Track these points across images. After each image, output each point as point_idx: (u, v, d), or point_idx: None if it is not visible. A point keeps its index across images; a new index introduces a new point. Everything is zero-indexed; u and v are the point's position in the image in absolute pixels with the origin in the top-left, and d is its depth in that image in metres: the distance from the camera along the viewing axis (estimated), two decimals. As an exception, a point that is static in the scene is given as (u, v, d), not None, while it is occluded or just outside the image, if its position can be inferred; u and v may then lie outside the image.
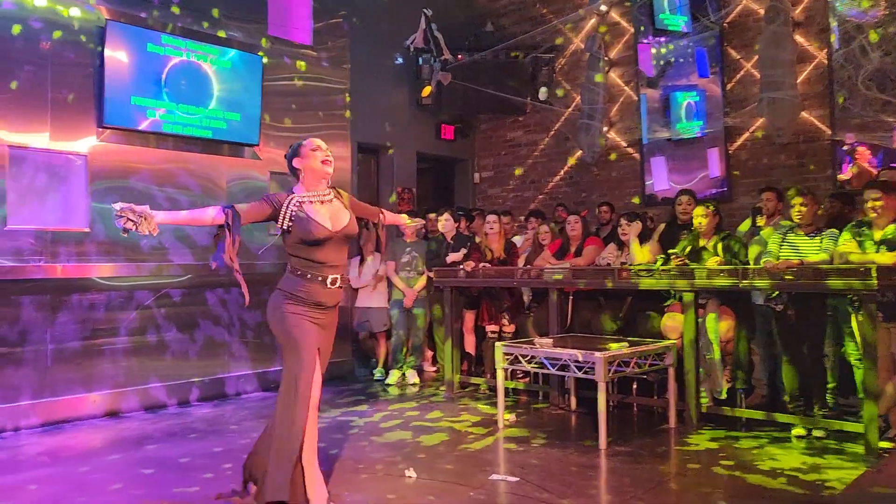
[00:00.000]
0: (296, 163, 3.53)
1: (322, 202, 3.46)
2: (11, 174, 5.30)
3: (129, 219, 3.02)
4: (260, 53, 6.72)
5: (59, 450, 4.76)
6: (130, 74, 5.82)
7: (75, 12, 5.62)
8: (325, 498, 3.38)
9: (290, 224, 3.37)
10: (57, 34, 5.52)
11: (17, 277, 5.19)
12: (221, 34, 6.52)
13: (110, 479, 4.08)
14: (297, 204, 3.40)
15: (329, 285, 3.42)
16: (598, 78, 8.15)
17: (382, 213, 3.95)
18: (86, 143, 5.68)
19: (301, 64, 7.20)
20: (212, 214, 3.29)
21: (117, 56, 5.73)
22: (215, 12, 6.50)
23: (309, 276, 3.39)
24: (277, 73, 6.96)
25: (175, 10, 6.21)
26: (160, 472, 4.20)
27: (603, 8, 8.30)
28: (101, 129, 5.75)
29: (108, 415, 5.66)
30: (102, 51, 5.66)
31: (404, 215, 4.28)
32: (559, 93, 8.83)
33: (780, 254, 5.01)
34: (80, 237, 5.60)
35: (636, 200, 8.13)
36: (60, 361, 5.46)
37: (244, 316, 6.63)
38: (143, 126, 5.92)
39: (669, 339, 5.34)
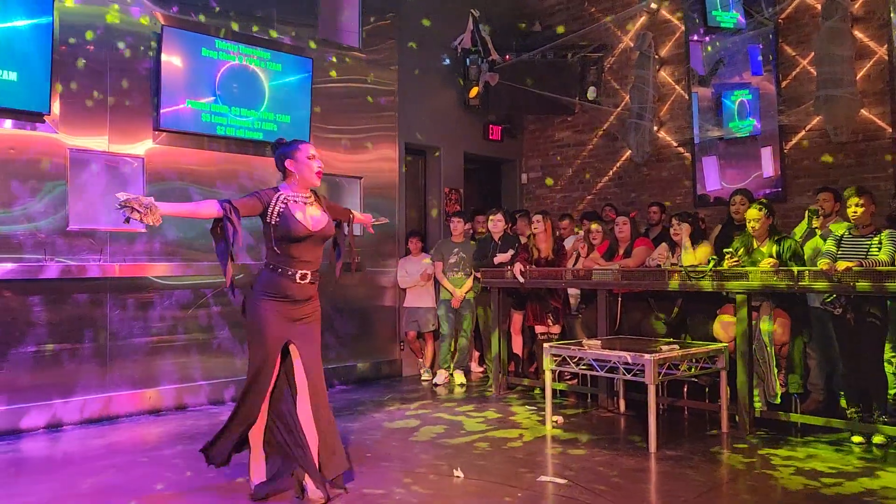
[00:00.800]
0: (288, 164, 3.71)
1: (305, 203, 3.70)
2: (73, 177, 5.49)
3: (134, 209, 3.18)
4: (310, 56, 6.81)
5: (116, 444, 4.92)
6: (185, 78, 5.97)
7: (134, 19, 5.80)
8: (263, 476, 3.76)
9: (277, 220, 3.60)
10: (117, 40, 5.70)
11: (77, 276, 5.37)
12: (273, 37, 6.64)
13: (164, 473, 4.19)
14: (284, 202, 3.63)
15: (298, 280, 3.64)
16: (647, 75, 8.04)
17: (352, 213, 4.19)
18: (143, 145, 5.85)
19: (350, 66, 7.28)
20: (212, 208, 3.51)
21: (173, 61, 5.89)
22: (267, 17, 6.62)
23: (280, 270, 3.63)
24: (327, 75, 7.05)
25: (228, 15, 6.35)
26: (212, 467, 4.29)
27: (653, 5, 8.19)
28: (157, 132, 5.91)
29: (163, 410, 5.81)
30: (159, 56, 5.82)
31: (369, 214, 4.56)
32: (607, 92, 8.74)
33: (838, 255, 4.87)
34: (136, 237, 5.77)
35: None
36: (118, 358, 5.63)
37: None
38: (197, 128, 6.07)
39: (721, 341, 5.24)
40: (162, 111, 5.85)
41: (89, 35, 5.56)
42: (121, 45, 5.73)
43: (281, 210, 3.60)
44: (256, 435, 3.76)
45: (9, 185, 5.17)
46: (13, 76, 5.08)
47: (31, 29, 5.13)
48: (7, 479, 4.09)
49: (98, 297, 5.54)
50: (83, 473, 4.19)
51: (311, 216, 3.68)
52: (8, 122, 5.17)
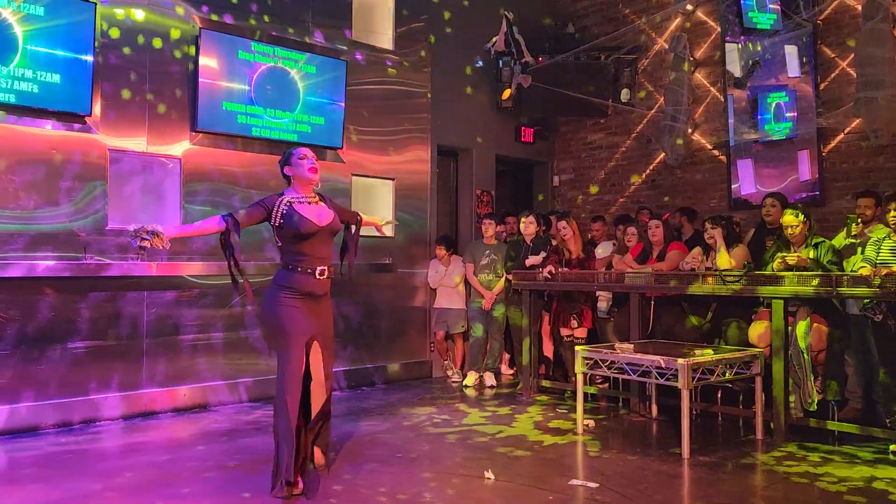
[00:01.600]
0: (286, 170, 3.95)
1: (309, 203, 3.87)
2: (112, 177, 5.60)
3: (142, 237, 3.46)
4: (344, 58, 6.87)
5: (150, 439, 5.00)
6: (222, 80, 6.06)
7: (173, 22, 5.90)
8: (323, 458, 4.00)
9: (281, 221, 3.77)
10: (156, 43, 5.81)
11: (115, 274, 5.48)
12: (307, 40, 6.71)
13: (197, 469, 4.25)
14: (287, 204, 3.81)
15: (318, 276, 3.81)
16: (682, 77, 7.96)
17: (360, 216, 4.36)
18: (180, 146, 5.95)
19: (383, 68, 7.32)
20: (215, 225, 3.76)
21: (210, 63, 5.98)
22: (302, 19, 6.69)
23: (299, 269, 3.79)
24: (360, 77, 7.10)
25: (265, 18, 6.43)
26: (245, 463, 4.35)
27: (689, 7, 8.10)
28: (193, 134, 6.00)
29: (197, 407, 5.90)
30: (197, 58, 5.92)
31: (378, 217, 4.68)
32: (641, 94, 8.67)
33: (878, 260, 4.77)
34: (173, 237, 5.84)
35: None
36: (153, 356, 5.73)
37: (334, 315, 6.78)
38: (232, 130, 6.16)
39: (756, 347, 5.17)
40: (199, 112, 5.94)
41: (129, 38, 5.67)
42: (160, 47, 5.83)
43: (284, 211, 3.77)
44: (309, 419, 3.90)
45: (51, 184, 5.30)
46: (56, 78, 5.20)
47: (73, 32, 5.25)
48: (46, 473, 4.18)
49: (135, 296, 5.65)
50: (120, 468, 4.28)
51: (317, 213, 3.84)
52: (50, 124, 5.30)
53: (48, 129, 5.30)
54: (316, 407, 3.87)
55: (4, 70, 5.00)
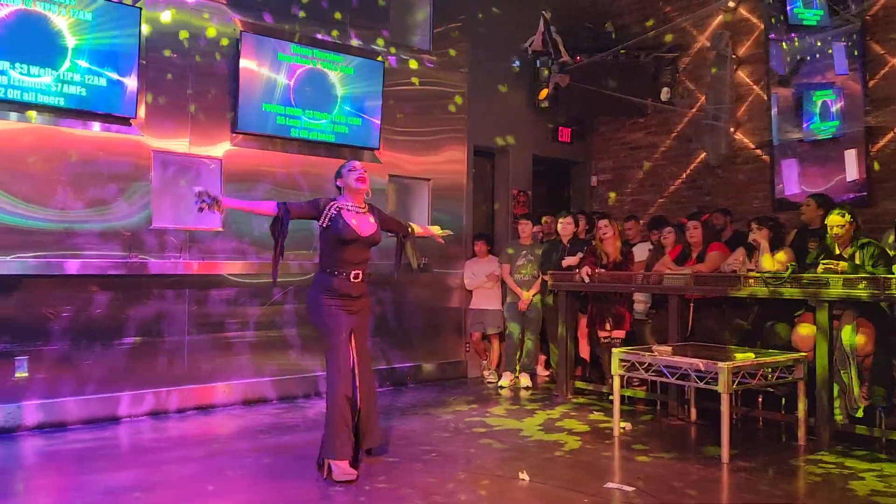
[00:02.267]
0: (338, 182, 4.30)
1: (356, 212, 4.20)
2: (156, 177, 5.73)
3: (204, 200, 3.84)
4: (381, 59, 6.91)
5: (192, 435, 5.10)
6: (262, 82, 6.15)
7: (214, 25, 6.00)
8: (379, 438, 4.35)
9: (328, 224, 4.11)
10: (198, 45, 5.92)
11: (159, 273, 5.61)
12: (345, 42, 6.76)
13: (237, 464, 4.32)
14: (336, 209, 4.16)
15: (352, 279, 4.14)
16: (724, 75, 7.82)
17: (412, 226, 4.66)
18: (221, 147, 6.05)
19: (420, 69, 7.35)
20: (269, 209, 4.11)
21: (250, 65, 6.07)
22: (340, 21, 6.75)
23: (336, 272, 4.13)
24: (398, 78, 7.14)
25: (304, 20, 6.51)
26: (283, 460, 4.41)
27: (731, 3, 7.96)
28: (234, 135, 6.11)
29: (238, 404, 6.00)
30: (237, 60, 6.01)
31: (436, 227, 4.90)
32: (682, 93, 8.54)
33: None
34: (213, 236, 5.97)
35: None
36: (195, 352, 5.84)
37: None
38: (272, 131, 6.24)
39: (800, 351, 5.05)
40: (239, 114, 6.03)
41: (172, 41, 5.79)
42: (202, 50, 5.94)
43: (332, 215, 4.12)
44: (363, 403, 4.22)
45: (98, 185, 5.44)
46: (103, 81, 5.34)
47: (119, 37, 5.38)
48: (92, 465, 4.30)
49: (177, 293, 5.76)
50: (163, 461, 4.37)
51: (361, 223, 4.17)
52: (97, 126, 5.44)
53: (95, 131, 5.44)
54: (362, 397, 4.18)
55: (54, 74, 5.15)
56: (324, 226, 4.12)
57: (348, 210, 4.17)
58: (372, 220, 4.26)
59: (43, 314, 5.17)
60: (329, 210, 4.13)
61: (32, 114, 5.17)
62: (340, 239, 4.08)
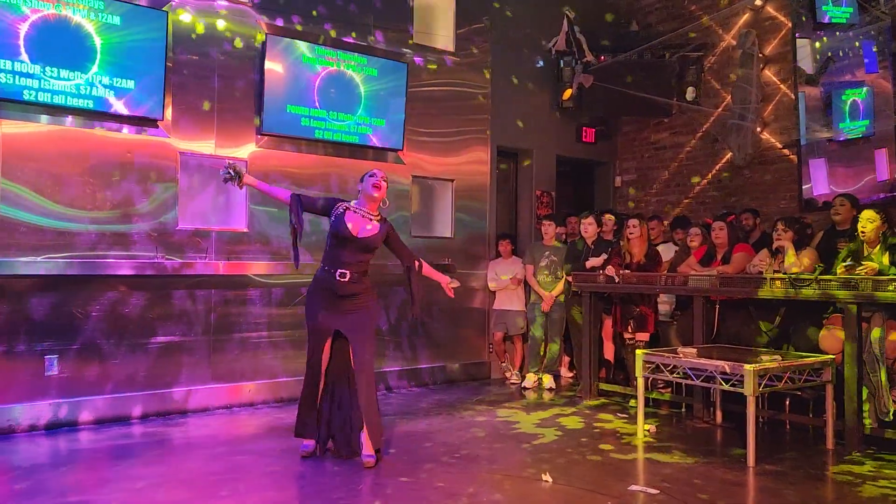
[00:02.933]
0: (359, 186, 4.46)
1: (362, 216, 4.34)
2: (182, 179, 5.80)
3: (229, 173, 4.23)
4: (404, 60, 6.93)
5: (218, 434, 5.15)
6: (286, 84, 6.20)
7: (239, 28, 6.07)
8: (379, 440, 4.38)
9: (333, 219, 4.32)
10: (223, 48, 5.98)
11: (185, 273, 5.68)
12: (369, 43, 6.80)
13: (262, 463, 4.36)
14: (344, 209, 4.35)
15: (338, 277, 4.27)
16: (750, 74, 7.73)
17: (419, 261, 4.59)
18: (246, 149, 6.11)
19: (443, 69, 7.36)
20: (283, 196, 4.45)
21: (275, 67, 6.12)
22: (364, 23, 6.79)
23: (325, 268, 4.34)
24: (421, 79, 7.16)
25: (327, 22, 6.55)
26: (309, 458, 4.43)
27: (758, 2, 7.87)
28: (259, 136, 6.16)
29: (259, 404, 6.05)
30: (262, 63, 6.07)
31: (447, 277, 4.70)
32: (707, 93, 8.46)
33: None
34: (239, 237, 6.03)
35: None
36: (219, 352, 5.90)
37: (390, 314, 6.87)
38: (297, 133, 6.29)
39: (827, 353, 4.98)
40: (264, 116, 6.09)
41: (198, 44, 5.86)
42: (227, 53, 6.01)
43: (339, 213, 4.32)
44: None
45: (126, 186, 5.52)
46: (131, 84, 5.42)
47: (146, 40, 5.45)
48: (118, 463, 4.36)
49: (203, 294, 5.83)
50: (187, 460, 4.43)
51: (360, 225, 4.31)
52: (125, 127, 5.52)
53: (124, 133, 5.52)
54: (359, 394, 4.30)
55: (83, 77, 5.23)
56: (330, 219, 4.35)
57: (354, 212, 4.33)
58: (374, 226, 4.36)
59: (72, 314, 5.26)
60: (337, 209, 4.34)
61: (63, 116, 5.26)
62: (335, 235, 4.29)
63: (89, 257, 5.31)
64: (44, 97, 5.09)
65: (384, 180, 4.37)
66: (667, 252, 6.91)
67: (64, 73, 5.16)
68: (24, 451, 4.62)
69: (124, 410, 5.43)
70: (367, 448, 4.27)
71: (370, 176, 4.37)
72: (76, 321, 5.27)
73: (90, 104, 5.28)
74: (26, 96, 5.03)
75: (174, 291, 5.69)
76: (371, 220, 4.36)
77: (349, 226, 4.27)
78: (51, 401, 5.15)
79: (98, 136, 5.42)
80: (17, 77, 4.99)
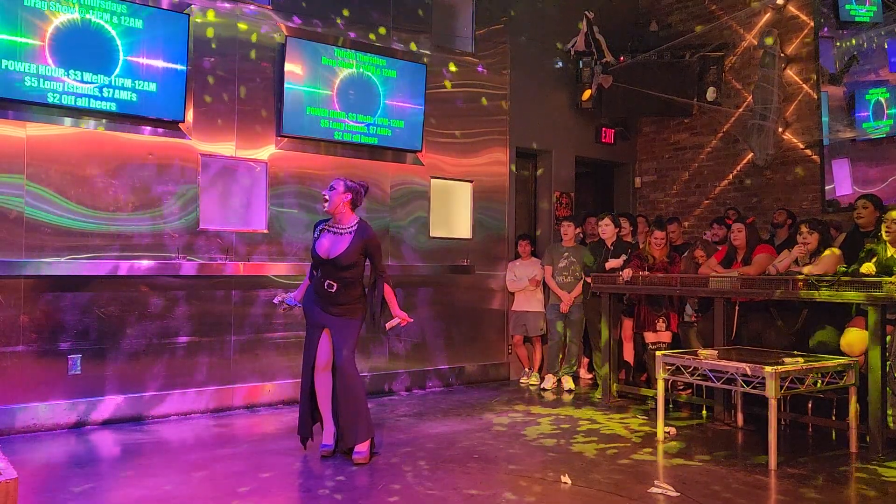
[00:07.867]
0: None
1: (334, 234, 4.45)
2: (203, 180, 5.86)
3: (283, 307, 4.72)
4: (423, 62, 6.95)
5: (239, 433, 5.19)
6: (306, 86, 6.23)
7: (260, 31, 6.12)
8: (332, 434, 4.53)
9: (313, 242, 4.50)
10: (243, 51, 6.03)
11: (206, 274, 5.73)
12: (388, 45, 6.82)
13: (286, 463, 4.38)
14: (321, 230, 4.51)
15: (326, 288, 4.43)
16: (772, 74, 7.65)
17: (387, 282, 4.55)
18: (266, 150, 6.15)
19: (463, 71, 7.36)
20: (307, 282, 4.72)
21: (295, 69, 6.16)
22: (383, 25, 6.81)
23: (318, 275, 4.51)
24: (440, 80, 7.17)
25: (347, 24, 6.58)
26: (329, 457, 4.45)
27: (779, 1, 7.79)
28: (279, 138, 6.20)
29: (279, 404, 6.08)
30: (282, 65, 6.11)
31: (404, 314, 4.59)
32: (728, 93, 8.39)
33: None
34: (259, 238, 6.07)
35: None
36: (240, 352, 5.95)
37: (412, 315, 6.86)
38: (316, 134, 6.32)
39: (851, 356, 4.91)
40: (284, 117, 6.13)
41: (219, 46, 5.91)
42: (248, 55, 6.05)
43: (316, 236, 4.50)
44: (325, 406, 4.56)
45: (147, 187, 5.58)
46: (153, 87, 5.48)
47: (168, 43, 5.51)
48: (141, 460, 4.41)
49: (224, 294, 5.88)
50: (210, 458, 4.46)
51: (332, 245, 4.40)
52: (147, 130, 5.58)
53: (146, 135, 5.58)
54: (338, 389, 4.46)
55: (106, 80, 5.30)
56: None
57: (328, 231, 4.47)
58: (345, 239, 4.39)
59: (94, 314, 5.32)
60: (315, 230, 4.54)
61: (86, 119, 5.33)
62: (313, 258, 4.48)
63: (112, 258, 5.37)
64: (67, 100, 5.16)
65: (331, 189, 4.41)
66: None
67: (87, 76, 5.23)
68: (50, 449, 4.68)
69: (145, 410, 5.49)
70: (350, 443, 4.40)
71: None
72: (99, 321, 5.33)
73: (113, 107, 5.34)
74: (50, 99, 5.10)
75: (196, 292, 5.74)
76: (342, 233, 4.42)
77: (319, 249, 4.42)
78: (73, 400, 5.22)
79: (120, 139, 5.48)
80: (41, 80, 5.06)
